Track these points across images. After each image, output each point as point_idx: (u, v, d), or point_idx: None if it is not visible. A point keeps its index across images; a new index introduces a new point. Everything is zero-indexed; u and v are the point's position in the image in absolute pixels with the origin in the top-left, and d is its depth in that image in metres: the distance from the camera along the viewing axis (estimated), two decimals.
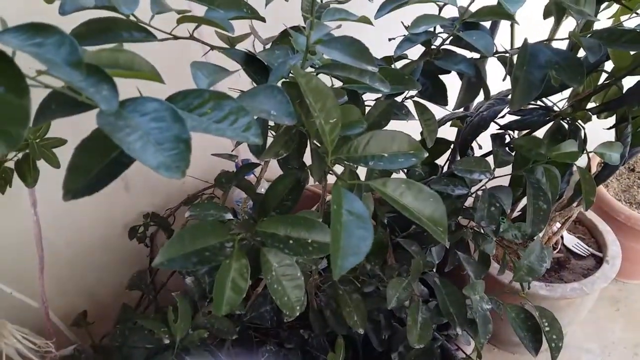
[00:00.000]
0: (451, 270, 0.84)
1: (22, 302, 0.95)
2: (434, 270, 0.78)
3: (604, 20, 0.77)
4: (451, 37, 0.57)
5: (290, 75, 0.51)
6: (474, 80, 0.58)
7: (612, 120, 0.85)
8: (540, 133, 0.82)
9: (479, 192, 0.78)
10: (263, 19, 0.62)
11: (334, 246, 0.36)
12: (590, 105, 0.83)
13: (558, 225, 1.20)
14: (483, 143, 0.88)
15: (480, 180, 0.76)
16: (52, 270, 0.95)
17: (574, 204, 0.95)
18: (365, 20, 0.47)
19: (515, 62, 0.52)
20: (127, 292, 1.14)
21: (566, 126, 0.79)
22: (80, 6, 0.48)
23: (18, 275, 0.95)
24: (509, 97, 0.83)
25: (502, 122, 0.83)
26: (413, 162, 0.46)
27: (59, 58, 0.33)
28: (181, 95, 0.41)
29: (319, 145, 0.47)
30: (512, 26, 0.67)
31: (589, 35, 0.53)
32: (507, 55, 0.61)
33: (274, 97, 0.41)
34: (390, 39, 0.62)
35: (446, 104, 0.61)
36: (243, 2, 0.62)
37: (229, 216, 0.74)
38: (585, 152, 0.80)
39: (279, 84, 0.47)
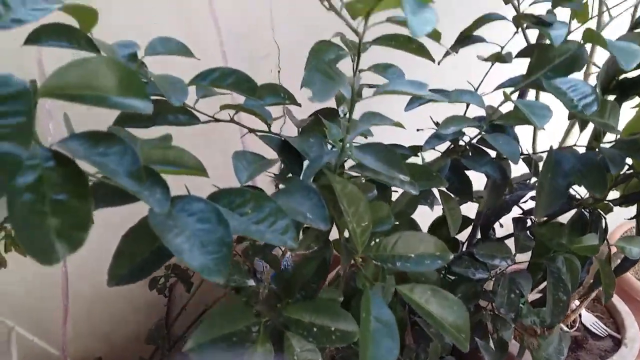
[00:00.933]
0: (469, 352, 0.84)
1: (42, 349, 0.97)
2: (451, 353, 0.78)
3: (627, 110, 0.79)
4: (478, 137, 0.59)
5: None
6: (500, 182, 0.60)
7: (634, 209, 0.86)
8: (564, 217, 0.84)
9: (499, 276, 0.79)
10: (299, 104, 0.66)
11: (362, 355, 0.37)
12: (613, 193, 0.84)
13: (577, 302, 1.19)
14: (504, 221, 0.90)
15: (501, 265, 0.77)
16: (72, 315, 0.97)
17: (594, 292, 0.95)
18: (398, 124, 0.49)
19: (540, 169, 0.55)
20: (143, 339, 1.15)
21: (588, 215, 0.80)
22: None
23: (40, 322, 0.97)
24: (532, 180, 0.86)
25: (525, 205, 0.85)
26: (439, 264, 0.47)
27: (121, 169, 0.36)
28: (224, 194, 0.43)
29: (348, 241, 0.49)
30: (534, 130, 0.69)
31: (611, 145, 0.55)
32: (532, 157, 0.64)
33: (309, 199, 0.44)
34: (418, 130, 0.65)
35: (471, 200, 0.63)
36: (280, 88, 0.65)
37: (252, 282, 0.75)
38: (606, 241, 0.81)
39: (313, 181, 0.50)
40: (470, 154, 0.59)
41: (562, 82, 0.51)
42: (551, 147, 0.57)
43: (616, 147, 0.54)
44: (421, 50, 0.48)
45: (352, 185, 0.43)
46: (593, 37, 0.51)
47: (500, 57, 0.61)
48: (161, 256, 0.43)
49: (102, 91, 0.36)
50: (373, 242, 0.48)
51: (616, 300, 1.29)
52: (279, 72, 0.97)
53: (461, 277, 0.76)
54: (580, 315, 1.26)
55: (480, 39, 0.65)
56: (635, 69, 0.73)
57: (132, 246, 0.44)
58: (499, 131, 0.57)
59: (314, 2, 0.50)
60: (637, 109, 0.88)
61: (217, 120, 0.61)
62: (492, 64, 0.61)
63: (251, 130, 0.63)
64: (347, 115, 0.48)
